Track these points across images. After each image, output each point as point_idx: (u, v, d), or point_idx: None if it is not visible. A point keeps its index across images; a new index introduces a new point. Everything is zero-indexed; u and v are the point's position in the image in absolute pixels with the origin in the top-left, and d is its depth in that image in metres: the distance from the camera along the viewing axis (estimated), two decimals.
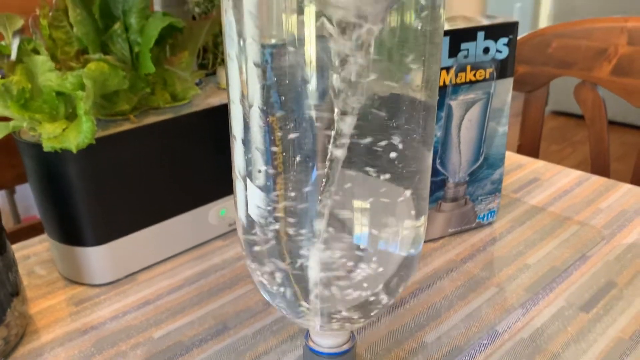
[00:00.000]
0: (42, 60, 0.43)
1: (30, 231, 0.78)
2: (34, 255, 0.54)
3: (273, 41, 0.24)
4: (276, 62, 0.24)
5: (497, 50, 0.48)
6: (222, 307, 0.46)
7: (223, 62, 0.62)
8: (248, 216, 0.28)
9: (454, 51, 0.47)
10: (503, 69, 0.49)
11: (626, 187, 0.62)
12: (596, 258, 0.50)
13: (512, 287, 0.47)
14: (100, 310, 0.46)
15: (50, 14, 0.47)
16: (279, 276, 0.29)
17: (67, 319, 0.45)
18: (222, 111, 0.51)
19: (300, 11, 0.23)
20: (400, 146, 0.26)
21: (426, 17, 0.25)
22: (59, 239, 0.48)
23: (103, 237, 0.48)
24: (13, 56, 0.43)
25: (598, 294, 0.45)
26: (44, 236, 0.56)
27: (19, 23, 0.44)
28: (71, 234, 0.47)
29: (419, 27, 0.25)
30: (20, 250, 0.55)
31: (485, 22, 0.48)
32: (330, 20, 0.23)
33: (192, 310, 0.46)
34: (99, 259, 0.48)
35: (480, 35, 0.47)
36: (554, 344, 0.40)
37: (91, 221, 0.47)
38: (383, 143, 0.25)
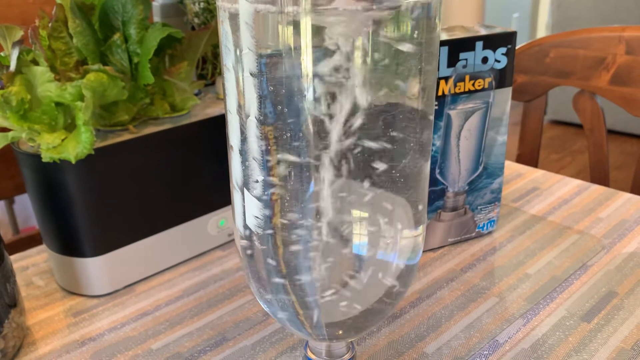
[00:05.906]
0: (42, 71, 0.43)
1: (28, 242, 0.78)
2: (33, 266, 0.54)
3: (269, 51, 0.24)
4: (272, 72, 0.24)
5: (496, 60, 0.49)
6: (221, 318, 0.46)
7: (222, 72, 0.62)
8: (246, 226, 0.28)
9: (452, 61, 0.47)
10: (502, 79, 0.50)
11: (626, 196, 0.62)
12: (597, 267, 0.50)
13: (513, 296, 0.47)
14: (99, 322, 0.46)
15: (50, 24, 0.47)
16: (277, 286, 0.29)
17: (65, 331, 0.45)
18: (221, 121, 0.51)
19: (295, 22, 0.23)
20: (397, 155, 0.26)
21: (421, 26, 0.25)
22: (58, 249, 0.48)
23: (101, 247, 0.47)
24: (12, 67, 0.43)
25: (599, 303, 0.45)
26: (43, 247, 0.56)
27: (19, 34, 0.44)
28: (69, 244, 0.47)
29: (415, 36, 0.25)
30: (18, 261, 0.55)
31: (484, 32, 0.48)
32: (325, 31, 0.23)
33: (190, 321, 0.46)
34: (97, 269, 0.48)
35: (479, 45, 0.47)
36: (556, 355, 0.40)
37: (90, 232, 0.47)
38: (380, 152, 0.25)
